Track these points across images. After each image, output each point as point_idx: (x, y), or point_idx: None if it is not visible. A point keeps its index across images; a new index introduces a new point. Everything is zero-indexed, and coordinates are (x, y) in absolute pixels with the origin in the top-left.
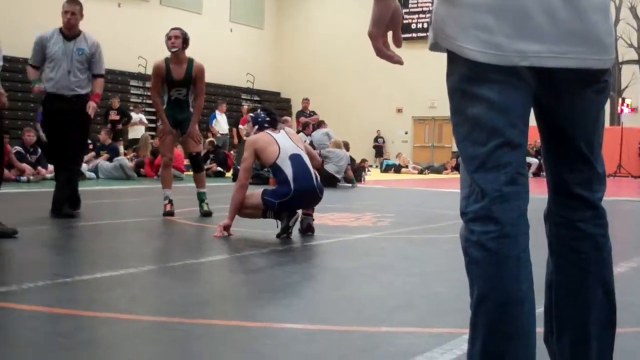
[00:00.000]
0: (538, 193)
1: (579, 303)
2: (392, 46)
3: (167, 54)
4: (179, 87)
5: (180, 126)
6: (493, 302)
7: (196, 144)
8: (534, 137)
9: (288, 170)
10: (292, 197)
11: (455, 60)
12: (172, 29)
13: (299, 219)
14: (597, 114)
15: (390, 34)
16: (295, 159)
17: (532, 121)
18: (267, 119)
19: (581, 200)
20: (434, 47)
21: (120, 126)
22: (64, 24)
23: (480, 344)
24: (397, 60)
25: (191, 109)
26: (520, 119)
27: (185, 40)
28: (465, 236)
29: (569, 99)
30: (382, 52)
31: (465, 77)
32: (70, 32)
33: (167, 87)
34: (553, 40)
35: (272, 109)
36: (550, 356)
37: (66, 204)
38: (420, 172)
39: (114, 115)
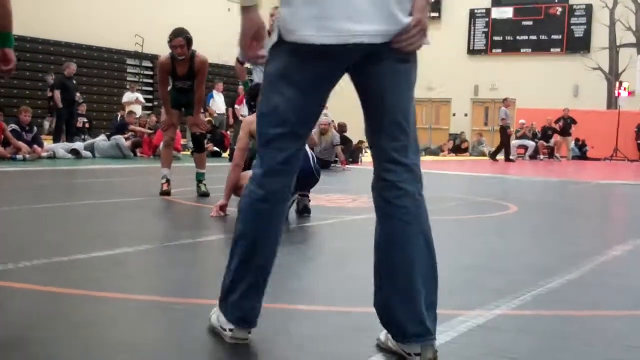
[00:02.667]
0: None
1: (405, 254)
2: None
3: (166, 34)
4: (183, 80)
5: (185, 107)
6: (247, 240)
7: (198, 124)
8: (531, 120)
9: None
10: None
11: (283, 51)
12: (175, 37)
13: (296, 201)
14: (408, 83)
15: None
16: None
17: (526, 104)
18: None
19: (400, 164)
20: (276, 45)
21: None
22: None
23: (234, 267)
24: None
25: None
26: (311, 115)
27: (189, 42)
28: (246, 188)
29: (381, 72)
30: (252, 57)
31: (283, 68)
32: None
33: (171, 80)
34: (373, 21)
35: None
36: (379, 312)
37: None
38: None
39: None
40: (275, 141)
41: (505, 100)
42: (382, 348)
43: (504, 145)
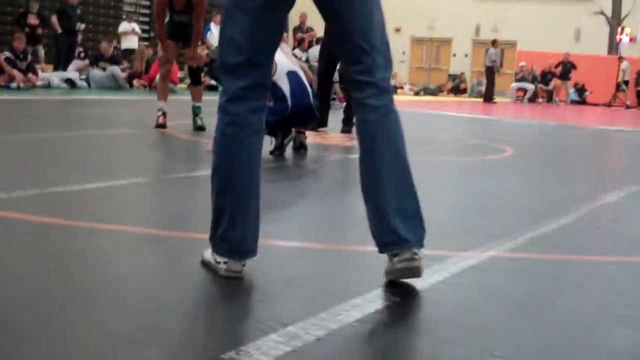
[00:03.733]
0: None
1: (373, 167)
2: None
3: None
4: (180, 14)
5: (182, 39)
6: (221, 170)
7: (195, 57)
8: (531, 62)
9: (285, 87)
10: (290, 114)
11: None
12: None
13: (293, 138)
14: (369, 9)
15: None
16: (292, 75)
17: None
18: None
19: (364, 82)
20: None
21: (40, 31)
22: None
23: (214, 198)
24: None
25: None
26: (266, 44)
27: None
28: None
29: None
30: None
31: None
32: None
33: (169, 12)
34: None
35: None
36: (369, 224)
37: None
38: (416, 93)
39: (33, 20)
40: (234, 70)
41: (494, 41)
42: (375, 284)
43: (490, 86)
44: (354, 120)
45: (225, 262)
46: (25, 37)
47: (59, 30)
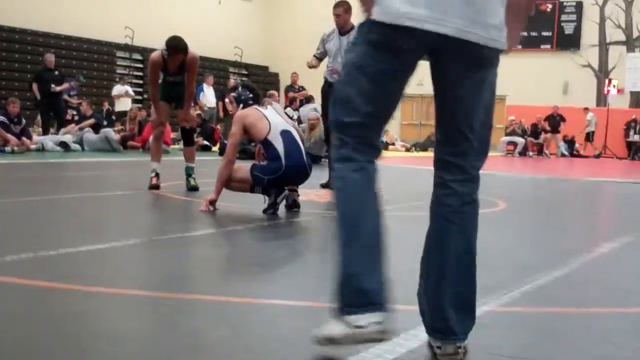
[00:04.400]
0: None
1: (440, 251)
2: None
3: (156, 26)
4: (173, 75)
5: (175, 100)
6: (348, 219)
7: (187, 118)
8: (520, 116)
9: (280, 147)
10: (283, 173)
11: (361, 42)
12: (175, 52)
13: (285, 196)
14: (477, 88)
15: None
16: (286, 135)
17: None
18: (250, 95)
19: (454, 165)
20: (357, 35)
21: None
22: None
23: (342, 254)
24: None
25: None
26: (383, 108)
27: (185, 51)
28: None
29: (448, 71)
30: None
31: (360, 58)
32: (342, 29)
33: (162, 73)
34: (439, 8)
35: (253, 85)
36: (419, 300)
37: None
38: (408, 149)
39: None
40: (347, 128)
41: None
42: (369, 347)
43: None
44: (432, 196)
45: (362, 325)
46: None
47: (38, 97)
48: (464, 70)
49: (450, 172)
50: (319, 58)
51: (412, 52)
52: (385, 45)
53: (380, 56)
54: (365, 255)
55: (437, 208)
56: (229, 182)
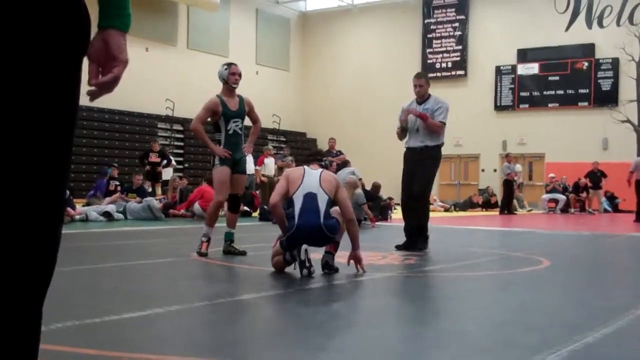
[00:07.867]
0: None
1: None
2: None
3: (196, 98)
4: (235, 119)
5: (236, 165)
6: None
7: (242, 184)
8: (560, 173)
9: (297, 206)
10: (295, 231)
11: None
12: (234, 64)
13: (321, 257)
14: None
15: None
16: (308, 196)
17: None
18: (310, 156)
19: None
20: None
21: (160, 168)
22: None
23: None
24: None
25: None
26: None
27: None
28: None
29: None
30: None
31: None
32: (421, 99)
33: (224, 121)
34: None
35: (319, 150)
36: None
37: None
38: (447, 209)
39: (154, 158)
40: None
41: (507, 155)
42: None
43: (508, 198)
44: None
45: None
46: (146, 174)
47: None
48: None
49: None
50: (405, 129)
51: None
52: None
53: None
54: None
55: None
56: (271, 260)
